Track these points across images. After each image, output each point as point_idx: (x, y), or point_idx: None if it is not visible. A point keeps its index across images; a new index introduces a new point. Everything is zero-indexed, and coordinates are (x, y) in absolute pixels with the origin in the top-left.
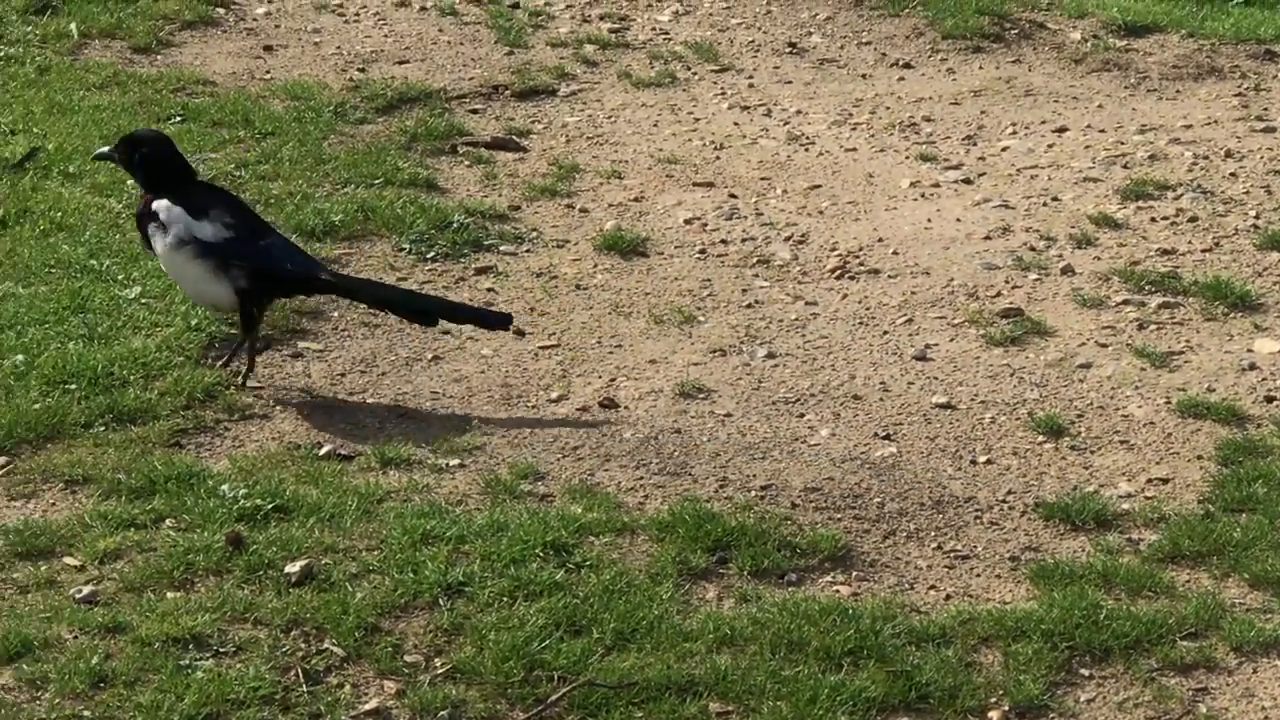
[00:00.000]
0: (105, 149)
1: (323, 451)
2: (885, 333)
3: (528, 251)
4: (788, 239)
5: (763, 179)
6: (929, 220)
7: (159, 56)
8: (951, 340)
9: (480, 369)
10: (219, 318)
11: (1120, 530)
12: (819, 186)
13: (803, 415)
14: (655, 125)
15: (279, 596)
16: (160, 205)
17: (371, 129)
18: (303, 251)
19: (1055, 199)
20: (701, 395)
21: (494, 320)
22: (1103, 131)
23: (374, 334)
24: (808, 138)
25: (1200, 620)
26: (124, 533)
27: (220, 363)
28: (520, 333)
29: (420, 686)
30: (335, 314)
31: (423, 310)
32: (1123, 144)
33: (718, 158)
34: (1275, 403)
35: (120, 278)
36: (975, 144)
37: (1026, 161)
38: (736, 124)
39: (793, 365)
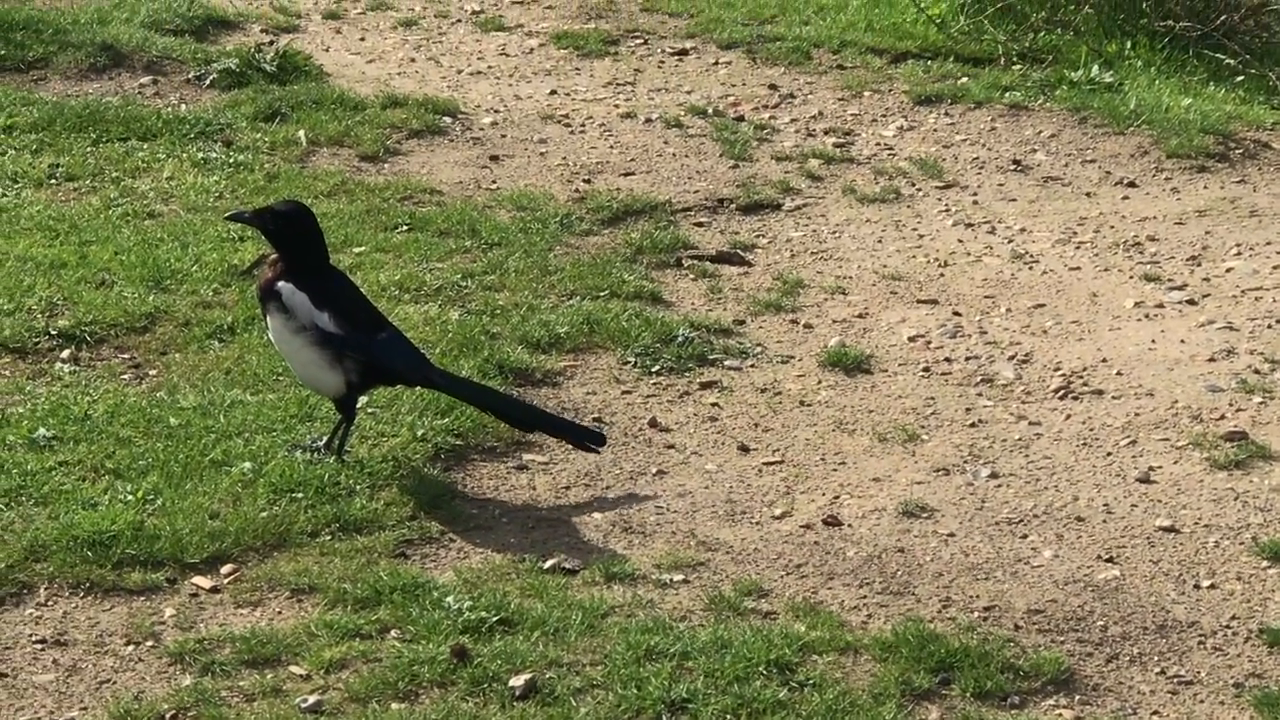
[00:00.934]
0: (243, 211)
1: (547, 565)
2: (1108, 454)
3: (752, 367)
4: (1011, 358)
5: (987, 297)
6: (1153, 341)
7: (386, 165)
8: (1175, 463)
9: (704, 484)
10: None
11: None
12: (1043, 305)
13: (1026, 536)
14: (879, 241)
15: (503, 710)
16: (285, 288)
17: (597, 240)
18: (412, 346)
19: None
20: (924, 514)
21: (588, 437)
22: None
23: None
24: (1032, 256)
25: None
26: (349, 642)
27: (323, 443)
28: (745, 448)
29: None
30: None
31: (521, 418)
32: None
33: (942, 275)
34: None
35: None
36: (1200, 264)
37: (1251, 283)
38: (961, 241)
39: (1016, 485)
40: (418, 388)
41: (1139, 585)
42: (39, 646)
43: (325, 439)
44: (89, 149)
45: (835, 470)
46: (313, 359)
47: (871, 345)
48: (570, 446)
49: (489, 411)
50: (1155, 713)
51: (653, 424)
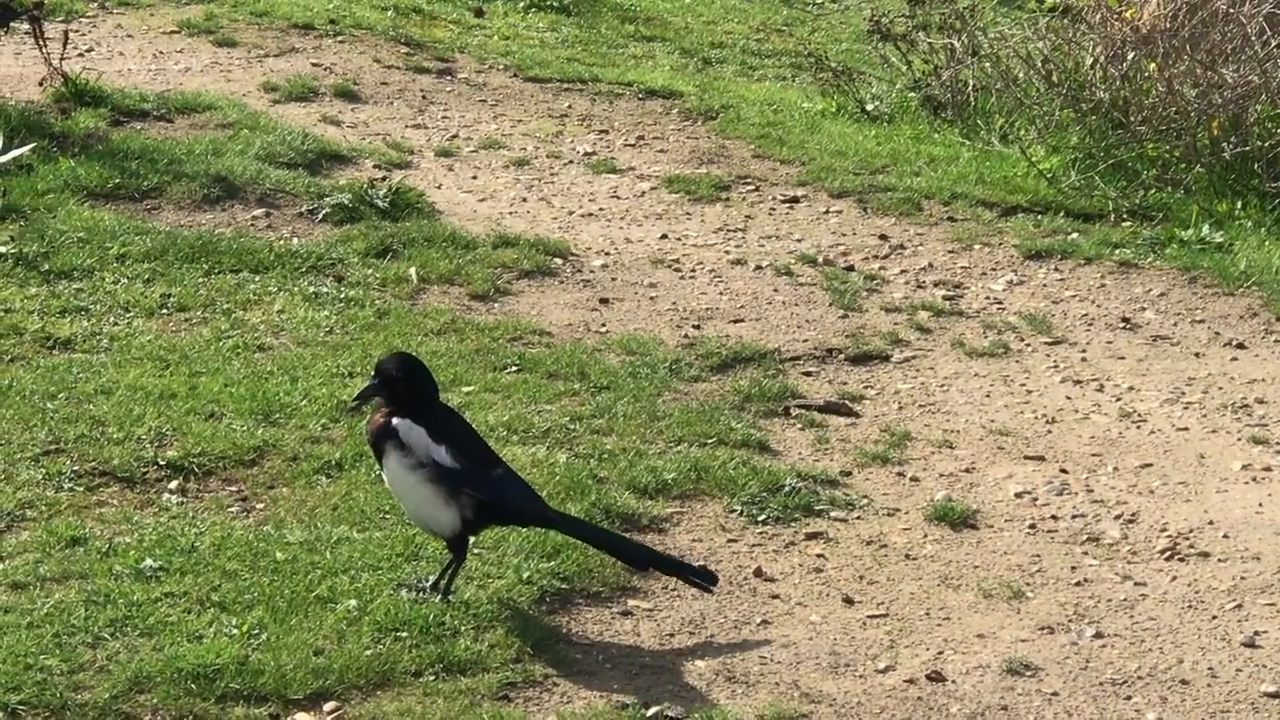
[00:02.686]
0: (363, 391)
1: (650, 713)
2: (1214, 617)
3: (858, 518)
4: (1117, 517)
5: (1094, 455)
6: (1260, 505)
7: (496, 304)
8: None
9: (808, 635)
10: (452, 539)
11: None
12: (1150, 465)
13: (1129, 698)
14: (987, 396)
15: None
16: (402, 424)
17: (705, 387)
18: (525, 484)
19: None
20: (1029, 673)
21: (701, 575)
22: None
23: (703, 595)
24: (1139, 415)
25: None
26: None
27: (430, 583)
28: (849, 600)
29: None
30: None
31: (635, 556)
32: None
33: (1049, 431)
34: None
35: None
36: None
37: None
38: (1068, 398)
39: (1120, 646)
40: (528, 527)
41: None
42: None
43: (433, 579)
44: (201, 280)
45: (939, 625)
46: (429, 496)
47: (978, 500)
48: (680, 587)
49: (605, 549)
50: None
51: (758, 573)
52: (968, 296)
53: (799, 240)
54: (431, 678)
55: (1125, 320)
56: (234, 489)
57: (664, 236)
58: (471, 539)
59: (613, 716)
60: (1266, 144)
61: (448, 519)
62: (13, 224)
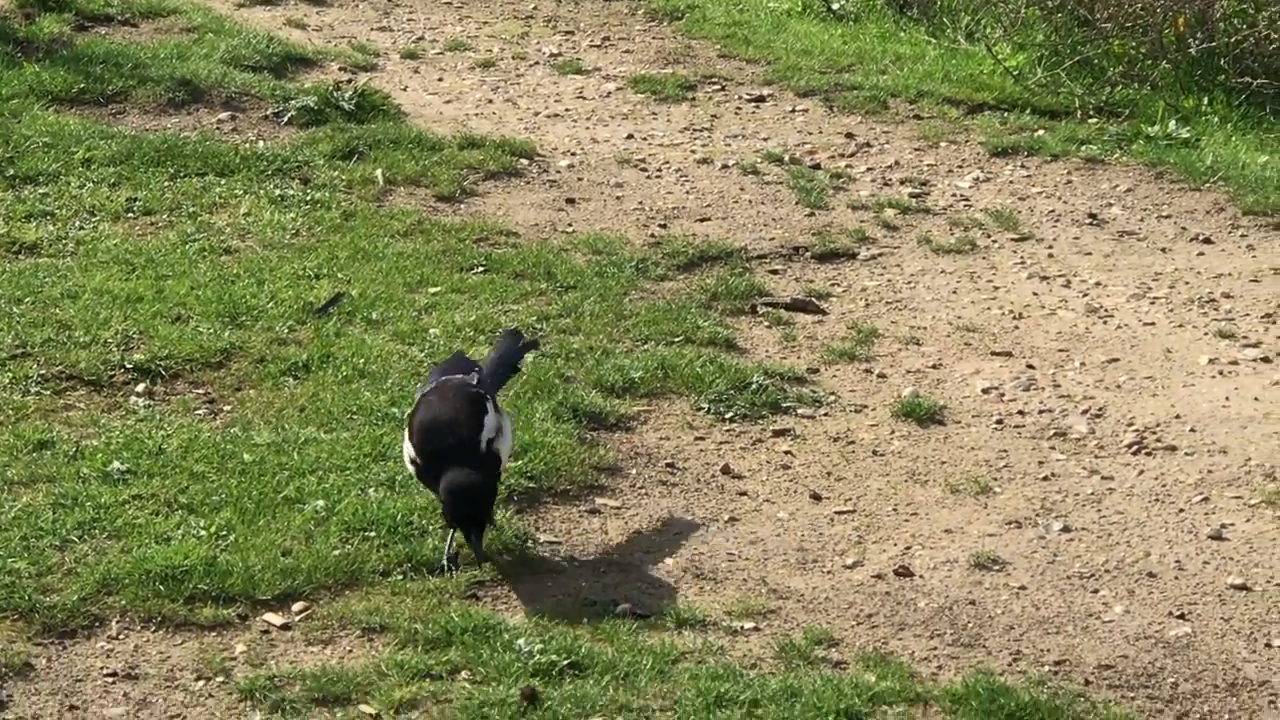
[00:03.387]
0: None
1: (618, 609)
2: (1181, 510)
3: (825, 415)
4: (1085, 412)
5: (1060, 350)
6: (1227, 398)
7: (462, 205)
8: (1248, 521)
9: (776, 532)
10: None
11: None
12: (1117, 360)
13: (1097, 591)
14: (954, 292)
15: None
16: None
17: (672, 286)
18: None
19: None
20: (996, 567)
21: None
22: None
23: (671, 492)
24: (1106, 310)
25: None
26: (420, 683)
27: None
28: (817, 497)
29: None
30: (633, 472)
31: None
32: None
33: (1016, 327)
34: None
35: None
36: (1275, 322)
37: None
38: (1035, 293)
39: (1088, 540)
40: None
41: (1210, 643)
42: (110, 680)
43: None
44: (166, 184)
45: (907, 521)
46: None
47: (945, 396)
48: (649, 486)
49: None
50: None
51: (725, 471)
52: (934, 194)
53: (765, 139)
54: (400, 577)
55: (1092, 216)
56: (201, 391)
57: (630, 137)
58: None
59: (580, 614)
60: (1233, 39)
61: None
62: None
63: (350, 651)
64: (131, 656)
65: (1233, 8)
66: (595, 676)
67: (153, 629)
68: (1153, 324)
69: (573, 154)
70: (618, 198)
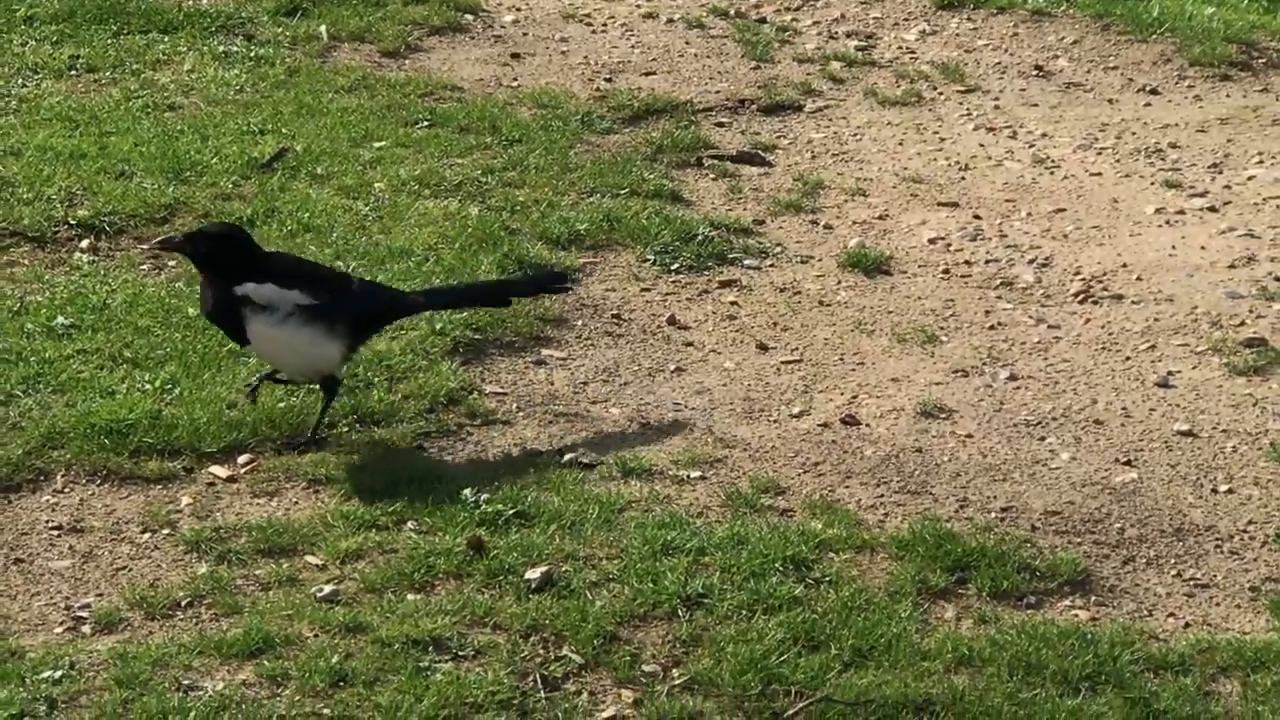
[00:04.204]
0: (173, 237)
1: (564, 459)
2: (1128, 358)
3: (772, 266)
4: (1031, 261)
5: (1007, 201)
6: (1173, 247)
7: (407, 61)
8: (1194, 368)
9: (722, 382)
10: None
11: None
12: (1063, 210)
13: (1044, 438)
14: (900, 144)
15: (519, 602)
16: (249, 288)
17: (617, 139)
18: (382, 286)
19: None
20: (943, 415)
21: (557, 279)
22: None
23: (617, 343)
24: (1053, 161)
25: None
26: (365, 533)
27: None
28: (763, 347)
29: (658, 696)
30: (579, 323)
31: (494, 298)
32: None
33: (963, 178)
34: None
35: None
36: (1221, 172)
37: (1273, 191)
38: (982, 145)
39: (1034, 388)
40: (396, 321)
41: (1156, 489)
42: (55, 533)
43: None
44: (109, 41)
45: (854, 370)
46: (309, 339)
47: (891, 247)
48: (594, 336)
49: (470, 305)
50: (1171, 615)
51: (671, 321)
52: (880, 47)
53: None
54: (345, 429)
55: (1038, 68)
56: (145, 247)
57: None
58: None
59: (527, 463)
60: None
61: (333, 352)
62: None
63: (296, 503)
64: (77, 510)
65: None
66: (542, 525)
67: (98, 483)
68: (1099, 174)
69: (517, 9)
70: (563, 53)
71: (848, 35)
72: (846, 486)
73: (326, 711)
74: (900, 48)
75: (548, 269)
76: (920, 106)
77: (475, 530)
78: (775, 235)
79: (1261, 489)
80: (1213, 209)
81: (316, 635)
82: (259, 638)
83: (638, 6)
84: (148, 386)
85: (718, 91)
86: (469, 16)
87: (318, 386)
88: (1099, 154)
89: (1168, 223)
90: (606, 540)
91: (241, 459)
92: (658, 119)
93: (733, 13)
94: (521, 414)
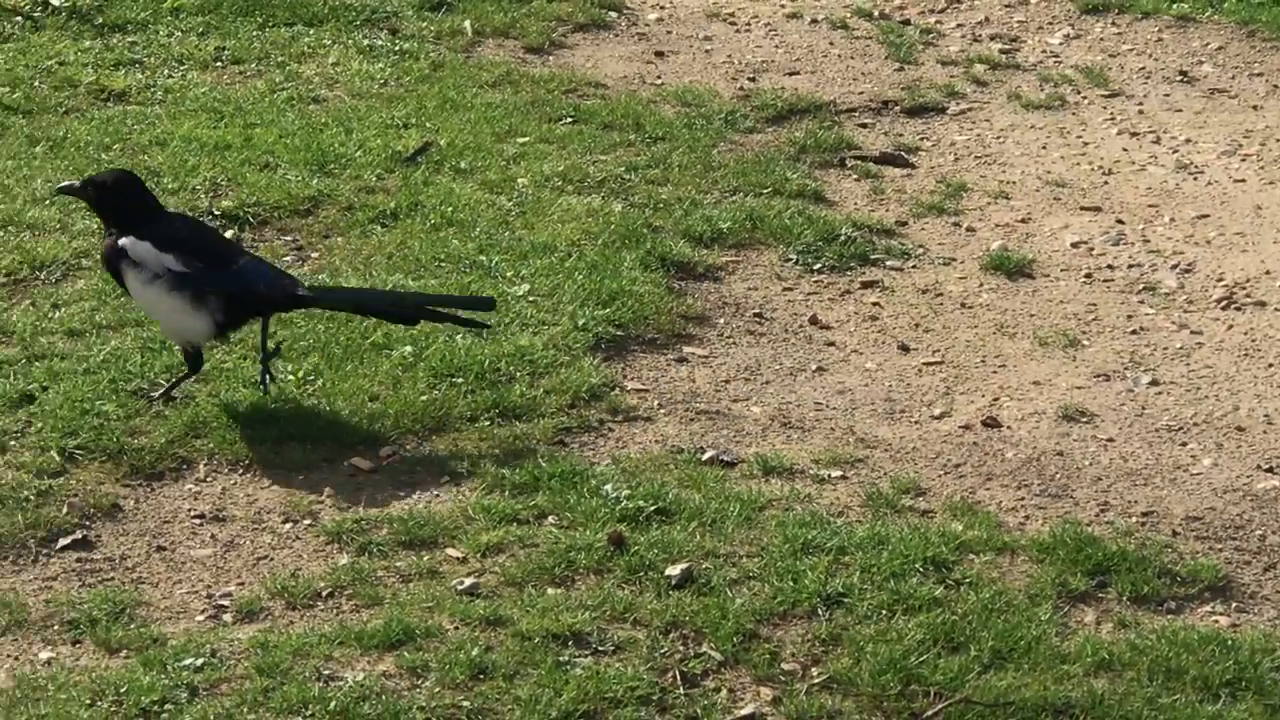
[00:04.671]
0: (73, 183)
1: (705, 457)
2: (1270, 365)
3: (914, 268)
4: (1174, 267)
5: (1150, 206)
6: None
7: (551, 57)
8: None
9: (864, 382)
10: (189, 349)
11: None
12: (1206, 216)
13: (1185, 444)
14: (1044, 148)
15: (659, 598)
16: (127, 242)
17: (761, 138)
18: (274, 268)
19: None
20: (1084, 419)
21: (477, 305)
22: None
23: (759, 342)
24: (1196, 167)
25: None
26: (506, 527)
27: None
28: (905, 348)
29: (796, 694)
30: (721, 321)
31: (403, 314)
32: None
33: (1105, 183)
34: None
35: (509, 274)
36: None
37: None
38: (1125, 150)
39: (1176, 393)
40: (289, 311)
41: None
42: (198, 521)
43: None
44: (255, 33)
45: (995, 373)
46: (175, 306)
47: (1034, 250)
48: (736, 335)
49: (371, 315)
50: None
51: (813, 321)
52: (1024, 50)
53: None
54: (487, 423)
55: (1183, 74)
56: (289, 238)
57: None
58: (210, 348)
59: (668, 461)
60: None
61: (200, 325)
62: None
63: (437, 496)
64: (219, 499)
65: None
66: (682, 522)
67: (240, 472)
68: (1243, 181)
69: (661, 7)
70: (706, 51)
71: (991, 38)
72: (987, 488)
73: (466, 704)
74: (1044, 51)
75: (473, 296)
76: (1063, 110)
77: (616, 526)
78: (917, 237)
79: None
80: None
81: (456, 628)
82: (399, 629)
83: (781, 6)
84: (291, 377)
85: (861, 92)
86: (613, 14)
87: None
88: (1243, 160)
89: None
90: (747, 538)
91: (383, 450)
92: (801, 119)
93: (876, 14)
94: (663, 411)
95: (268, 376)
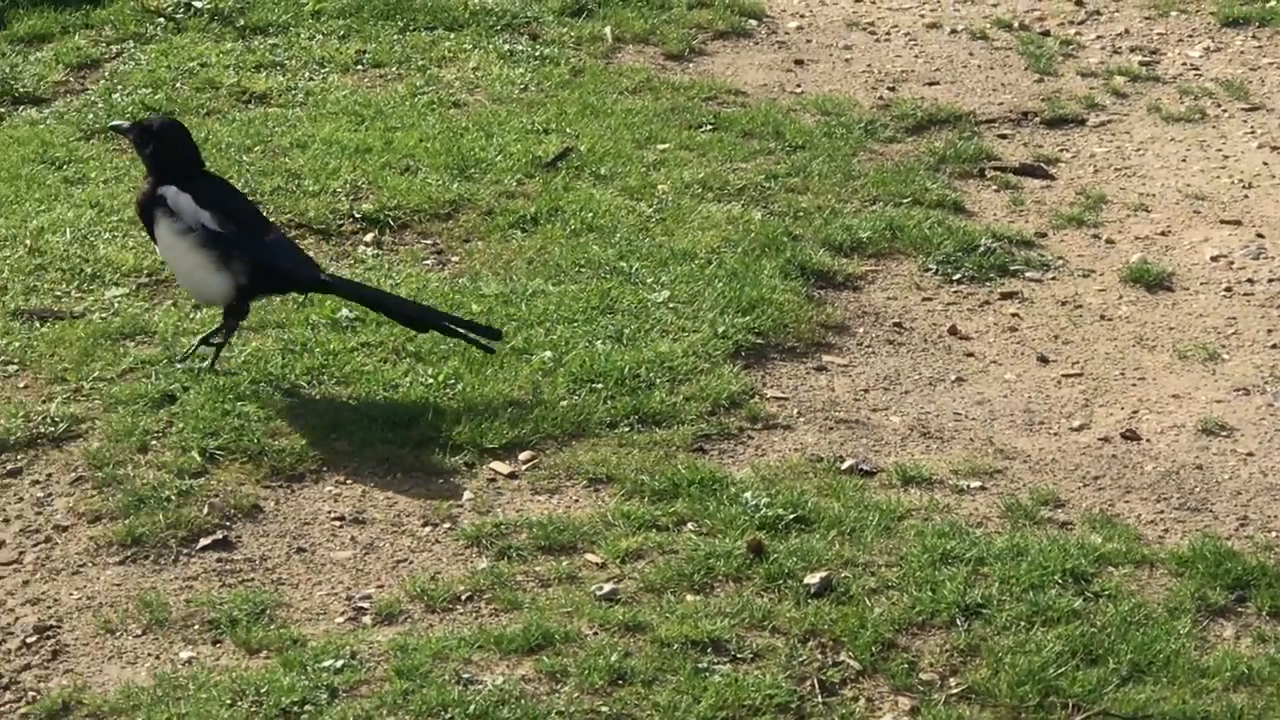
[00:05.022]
0: (123, 123)
1: (844, 466)
2: None
3: (1053, 279)
4: None
5: None
6: None
7: (690, 64)
8: None
9: (1003, 393)
10: (201, 304)
11: None
12: None
13: None
14: (1183, 160)
15: (797, 606)
16: (169, 191)
17: (900, 148)
18: (301, 251)
19: None
20: (1223, 433)
21: (484, 334)
22: None
23: (898, 351)
24: None
25: None
26: (646, 533)
27: (193, 348)
28: (1044, 359)
29: (934, 705)
30: (860, 330)
31: (415, 320)
32: None
33: (1246, 196)
34: None
35: (649, 281)
36: None
37: None
38: (1265, 164)
39: None
40: (305, 293)
41: None
42: (337, 523)
43: (198, 341)
44: (395, 37)
45: (1134, 385)
46: (200, 262)
47: (1173, 263)
48: (875, 344)
49: (383, 313)
50: None
51: (952, 331)
52: (1164, 63)
53: (994, 5)
54: (626, 429)
55: None
56: (429, 242)
57: (858, 0)
58: (247, 310)
59: (807, 469)
60: None
61: (220, 285)
62: None
63: (576, 501)
64: (358, 501)
65: None
66: (821, 531)
67: (380, 474)
68: None
69: (801, 16)
70: (846, 60)
71: (1131, 50)
72: (1126, 501)
73: (605, 709)
74: (1184, 64)
75: (487, 326)
76: (1204, 123)
77: (755, 534)
78: (1057, 248)
79: None
80: None
81: (596, 633)
82: (539, 634)
83: (922, 16)
84: (430, 380)
85: (1000, 103)
86: (753, 22)
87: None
88: None
89: None
90: (886, 548)
91: (523, 455)
92: (940, 129)
93: (1016, 25)
94: (802, 419)
95: (215, 358)
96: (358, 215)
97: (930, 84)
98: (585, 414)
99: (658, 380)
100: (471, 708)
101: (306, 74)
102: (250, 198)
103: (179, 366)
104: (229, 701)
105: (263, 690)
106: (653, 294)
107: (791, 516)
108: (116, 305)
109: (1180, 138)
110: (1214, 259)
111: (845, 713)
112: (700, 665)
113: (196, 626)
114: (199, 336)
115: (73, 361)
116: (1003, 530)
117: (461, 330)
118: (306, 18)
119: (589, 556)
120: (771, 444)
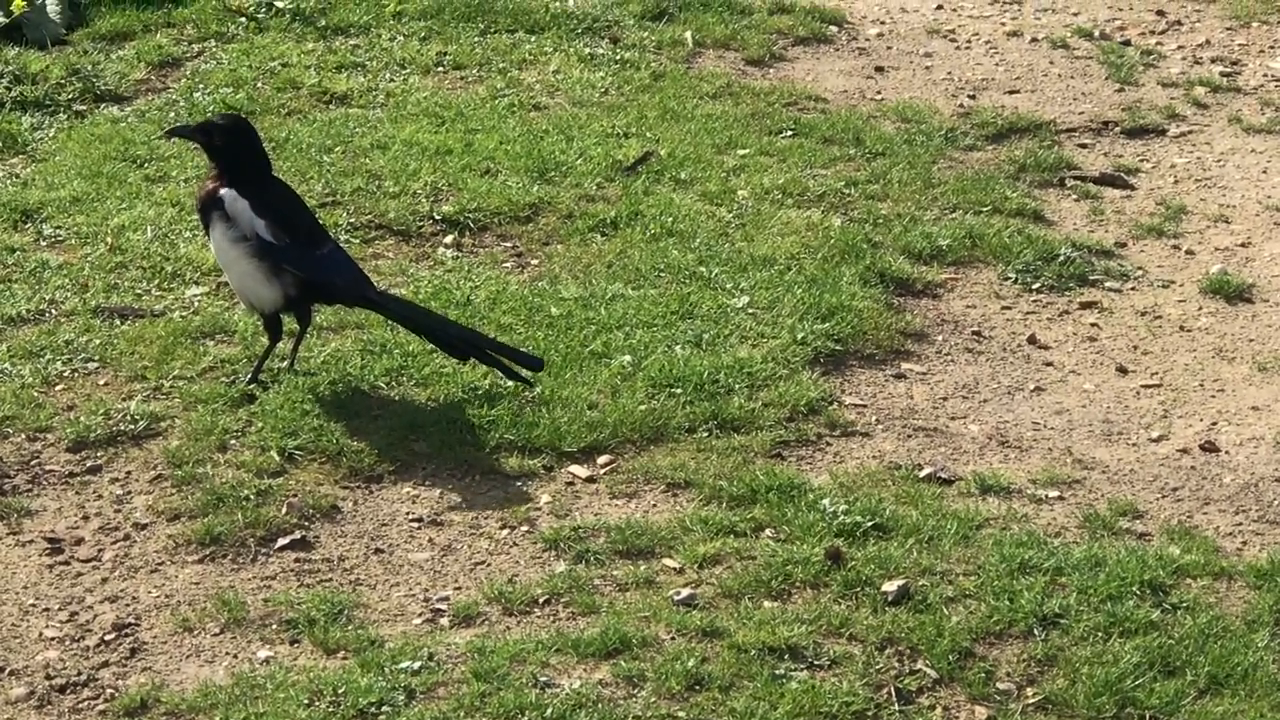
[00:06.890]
0: (185, 126)
1: (923, 474)
2: None
3: (1132, 289)
4: None
5: None
6: None
7: (771, 70)
8: None
9: (1081, 403)
10: (266, 317)
11: None
12: None
13: None
14: (1264, 172)
15: (875, 614)
16: (228, 194)
17: (980, 156)
18: (354, 263)
19: None
20: None
21: (526, 362)
22: None
23: (977, 360)
24: None
25: None
26: (723, 539)
27: (250, 376)
28: (1123, 370)
29: (1011, 714)
30: (939, 338)
31: (456, 345)
32: None
33: None
34: None
35: (728, 286)
36: None
37: None
38: None
39: None
40: (352, 308)
41: None
42: (415, 525)
43: (288, 363)
44: (476, 39)
45: (1214, 397)
46: (250, 270)
47: (1254, 275)
48: (954, 352)
49: (425, 335)
50: None
51: (1032, 340)
52: (1245, 73)
53: (1075, 14)
54: (705, 434)
55: None
56: (509, 244)
57: (939, 7)
58: (309, 314)
59: (885, 477)
60: None
61: (270, 295)
62: None
63: (654, 506)
64: (437, 503)
65: None
66: (899, 539)
67: (458, 477)
68: None
69: (882, 23)
70: (926, 67)
71: (1213, 61)
72: (1205, 513)
73: (682, 714)
74: (1266, 75)
75: (528, 354)
76: None
77: (833, 540)
78: (1136, 258)
79: None
80: None
81: (673, 638)
82: (616, 638)
83: (1002, 25)
84: (510, 384)
85: (1081, 112)
86: (833, 28)
87: None
88: None
89: None
90: (963, 556)
91: (601, 459)
92: (1020, 138)
93: (1097, 34)
94: (880, 426)
95: (293, 358)
96: (438, 217)
97: (1011, 92)
98: (664, 419)
99: (736, 386)
100: (549, 711)
101: (387, 75)
102: (330, 199)
103: (244, 387)
104: (306, 701)
105: (340, 691)
106: (732, 299)
107: (869, 524)
108: (196, 304)
109: (1261, 149)
110: None
111: None
112: (777, 671)
113: (274, 626)
114: (250, 376)
115: (153, 360)
116: (1081, 540)
117: (504, 360)
118: (387, 19)
119: (666, 561)
120: (849, 451)
